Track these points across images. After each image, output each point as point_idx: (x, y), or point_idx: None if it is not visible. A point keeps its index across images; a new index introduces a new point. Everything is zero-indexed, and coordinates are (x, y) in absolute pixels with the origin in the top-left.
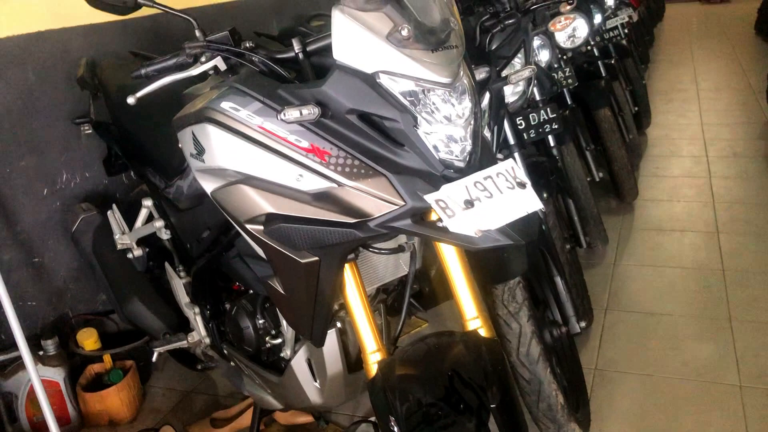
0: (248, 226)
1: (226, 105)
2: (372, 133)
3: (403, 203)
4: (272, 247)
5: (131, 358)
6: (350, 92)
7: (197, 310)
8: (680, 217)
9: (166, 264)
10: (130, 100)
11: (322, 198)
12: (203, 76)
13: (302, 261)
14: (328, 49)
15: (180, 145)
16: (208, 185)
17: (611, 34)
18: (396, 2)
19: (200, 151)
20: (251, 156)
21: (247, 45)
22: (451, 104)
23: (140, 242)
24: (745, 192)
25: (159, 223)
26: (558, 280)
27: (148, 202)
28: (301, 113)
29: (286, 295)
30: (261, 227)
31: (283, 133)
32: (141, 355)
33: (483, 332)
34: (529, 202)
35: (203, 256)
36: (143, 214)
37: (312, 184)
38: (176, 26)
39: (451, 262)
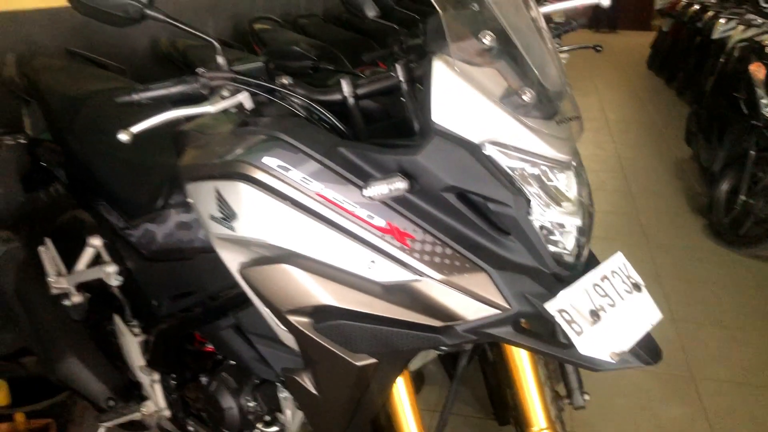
0: (291, 318)
1: (271, 161)
2: (472, 217)
3: (508, 307)
4: (319, 344)
5: (50, 416)
6: (451, 165)
7: (156, 377)
8: None
9: (115, 317)
10: (124, 137)
11: (399, 292)
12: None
13: (357, 364)
14: (380, 93)
15: (189, 200)
16: (233, 257)
17: None
18: (512, 58)
19: (228, 216)
20: (304, 230)
21: (284, 81)
22: (568, 187)
23: (80, 287)
24: (675, 235)
25: (111, 269)
26: None
27: (96, 242)
28: (389, 189)
29: (318, 396)
30: (308, 320)
31: (350, 206)
32: (61, 412)
33: None
34: (649, 310)
35: (174, 316)
36: (88, 254)
37: (387, 273)
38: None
39: (524, 365)
